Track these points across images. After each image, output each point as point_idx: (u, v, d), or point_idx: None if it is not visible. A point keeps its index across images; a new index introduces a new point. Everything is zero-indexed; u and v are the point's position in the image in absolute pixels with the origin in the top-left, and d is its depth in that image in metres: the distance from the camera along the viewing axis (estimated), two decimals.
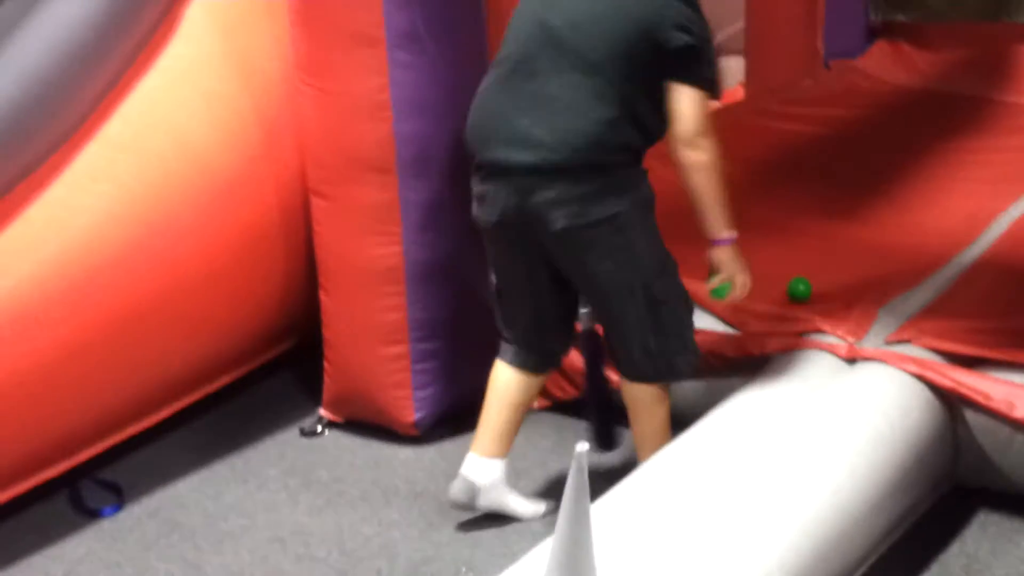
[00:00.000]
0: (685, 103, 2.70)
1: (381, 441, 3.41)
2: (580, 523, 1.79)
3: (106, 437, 3.28)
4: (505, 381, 2.97)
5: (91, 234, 3.11)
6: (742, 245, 3.63)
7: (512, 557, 2.47)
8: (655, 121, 2.74)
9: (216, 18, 3.54)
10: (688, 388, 3.28)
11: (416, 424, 3.38)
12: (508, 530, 2.97)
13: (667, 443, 2.79)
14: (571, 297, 2.94)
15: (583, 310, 3.02)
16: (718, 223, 2.79)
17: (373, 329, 3.34)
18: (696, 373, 2.98)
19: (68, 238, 3.07)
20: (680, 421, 2.91)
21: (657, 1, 2.70)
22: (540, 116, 2.69)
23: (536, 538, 2.69)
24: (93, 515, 3.14)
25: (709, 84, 2.74)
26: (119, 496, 3.21)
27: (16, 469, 3.07)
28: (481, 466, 2.96)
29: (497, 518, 2.99)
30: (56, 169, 3.12)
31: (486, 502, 2.97)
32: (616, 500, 2.44)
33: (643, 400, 2.91)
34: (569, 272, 2.83)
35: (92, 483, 3.25)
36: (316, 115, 3.31)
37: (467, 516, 3.00)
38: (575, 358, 3.25)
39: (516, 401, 2.97)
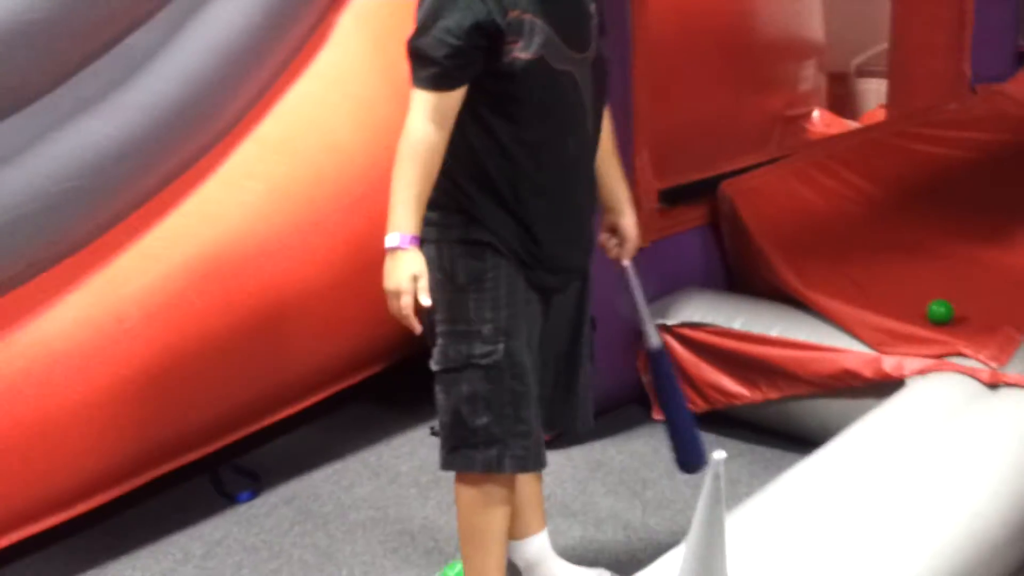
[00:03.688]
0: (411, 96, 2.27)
1: None
2: (714, 532, 1.78)
3: (245, 425, 3.40)
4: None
5: (241, 229, 3.23)
6: (883, 266, 3.59)
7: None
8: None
9: (367, 25, 3.64)
10: (821, 406, 3.26)
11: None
12: (634, 540, 2.98)
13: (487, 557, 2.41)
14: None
15: (649, 328, 2.71)
16: (390, 220, 2.25)
17: None
18: (527, 467, 2.38)
19: (219, 232, 3.19)
20: (813, 440, 2.89)
21: None
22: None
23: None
24: (231, 499, 3.26)
25: (421, 81, 2.24)
26: (256, 482, 3.32)
27: (163, 450, 3.20)
28: (522, 549, 2.64)
29: (625, 522, 3.00)
30: (212, 166, 3.24)
31: None
32: (749, 516, 2.43)
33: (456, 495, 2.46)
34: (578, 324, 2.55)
35: (231, 469, 3.37)
36: None
37: (591, 519, 3.01)
38: (702, 369, 3.24)
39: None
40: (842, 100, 5.88)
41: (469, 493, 2.39)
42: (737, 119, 4.58)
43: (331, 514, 3.17)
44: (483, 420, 2.32)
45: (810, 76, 5.16)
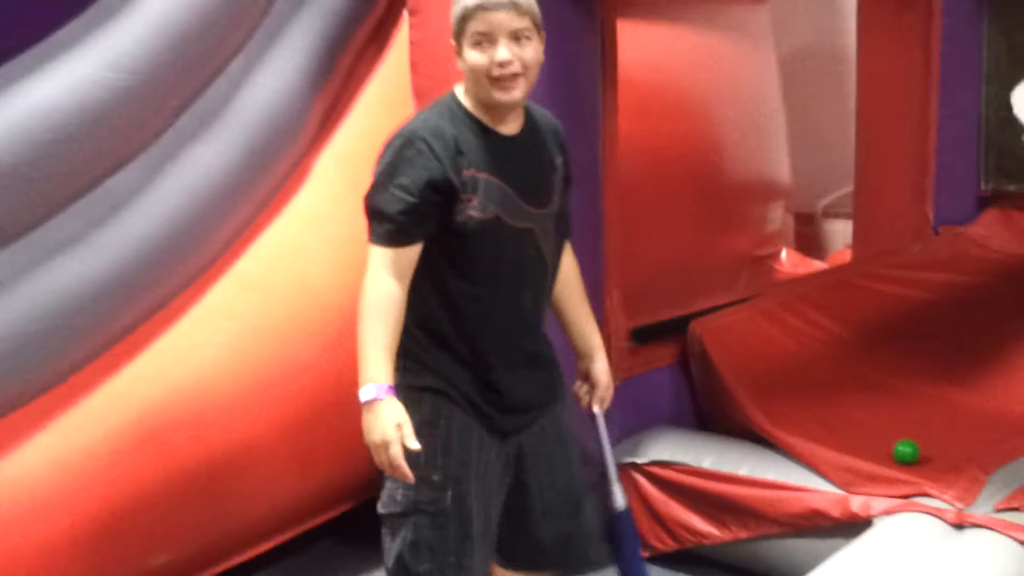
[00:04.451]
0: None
1: None
2: None
3: (223, 561, 3.36)
4: None
5: (214, 367, 3.25)
6: (850, 406, 3.63)
7: None
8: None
9: (345, 166, 3.72)
10: (790, 545, 3.26)
11: None
12: None
13: None
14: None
15: (616, 487, 2.82)
16: (361, 375, 2.25)
17: None
18: None
19: (191, 370, 3.21)
20: None
21: None
22: None
23: None
24: None
25: (376, 237, 2.31)
26: None
27: None
28: None
29: None
30: (188, 303, 3.29)
31: None
32: None
33: None
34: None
35: None
36: None
37: None
38: (671, 507, 3.25)
39: None
40: (809, 240, 6.01)
41: None
42: (707, 259, 4.68)
43: None
44: (424, 567, 2.32)
45: (778, 217, 5.29)
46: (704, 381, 3.83)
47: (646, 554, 3.45)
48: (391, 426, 2.20)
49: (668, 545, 3.43)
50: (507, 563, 2.53)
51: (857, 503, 3.12)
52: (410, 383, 2.32)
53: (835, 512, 3.15)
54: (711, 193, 4.82)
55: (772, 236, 5.20)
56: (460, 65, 2.31)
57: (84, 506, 2.96)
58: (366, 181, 3.70)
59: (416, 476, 2.25)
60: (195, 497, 3.19)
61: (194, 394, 3.19)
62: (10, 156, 2.82)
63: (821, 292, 4.33)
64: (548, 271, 2.44)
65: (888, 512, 3.06)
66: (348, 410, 3.46)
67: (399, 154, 2.28)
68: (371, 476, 3.72)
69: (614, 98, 3.51)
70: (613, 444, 2.90)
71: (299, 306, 3.46)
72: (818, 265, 5.51)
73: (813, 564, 2.88)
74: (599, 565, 2.60)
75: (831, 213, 6.19)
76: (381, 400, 2.21)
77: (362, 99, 3.82)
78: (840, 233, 5.97)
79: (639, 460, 3.51)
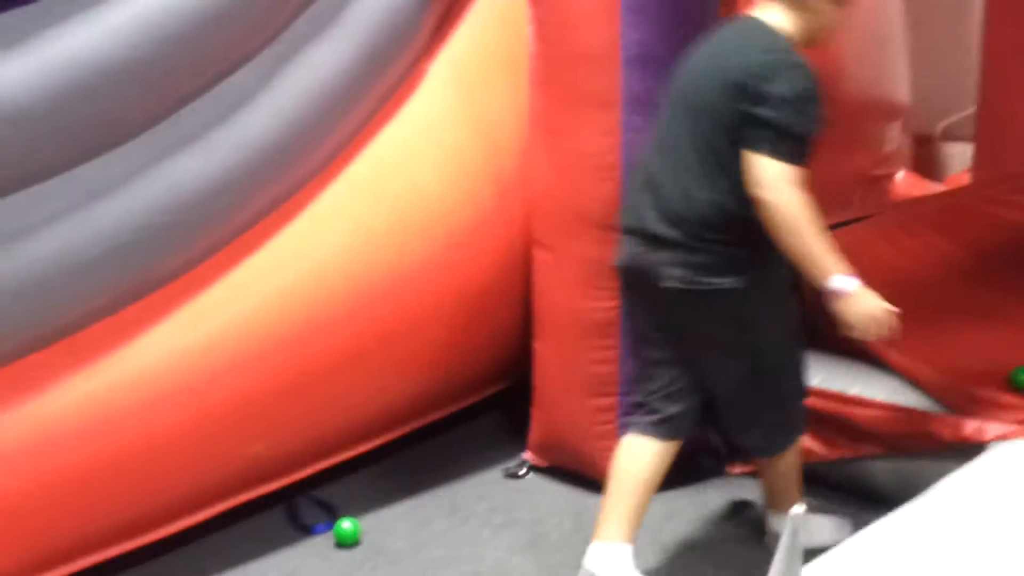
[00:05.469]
0: (763, 167, 2.64)
1: (583, 489, 3.47)
2: None
3: (323, 459, 3.46)
4: (634, 454, 2.89)
5: (328, 266, 3.31)
6: (966, 330, 3.54)
7: None
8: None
9: (456, 75, 3.72)
10: (892, 468, 3.23)
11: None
12: None
13: (796, 487, 3.02)
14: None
15: None
16: (819, 272, 2.67)
17: (584, 380, 3.42)
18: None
19: (307, 268, 3.28)
20: (888, 500, 2.86)
21: (745, 54, 2.71)
22: (671, 181, 2.79)
23: None
24: (306, 531, 3.30)
25: (790, 156, 2.64)
26: (332, 515, 3.36)
27: (237, 482, 3.27)
28: (607, 555, 2.83)
29: (698, 572, 2.99)
30: (302, 204, 3.33)
31: None
32: (823, 572, 2.41)
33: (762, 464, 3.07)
34: (681, 334, 2.87)
35: (308, 500, 3.42)
36: (547, 170, 3.44)
37: (671, 568, 3.01)
38: None
39: (646, 478, 2.88)
40: (926, 162, 5.84)
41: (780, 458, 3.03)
42: (822, 177, 4.58)
43: (404, 550, 3.20)
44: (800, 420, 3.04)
45: (895, 137, 5.14)
46: (816, 299, 3.76)
47: (751, 469, 3.44)
48: (873, 300, 2.67)
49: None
50: None
51: (971, 427, 3.07)
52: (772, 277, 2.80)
53: (947, 435, 3.11)
54: (828, 109, 4.70)
55: (889, 156, 5.05)
56: (804, 11, 2.74)
57: (201, 400, 3.05)
58: (478, 89, 3.74)
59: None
60: (304, 394, 3.26)
61: (308, 292, 3.25)
62: (132, 51, 2.86)
63: (940, 215, 4.22)
64: None
65: (1003, 437, 3.00)
66: (448, 315, 3.54)
67: (808, 83, 2.66)
68: (477, 381, 3.78)
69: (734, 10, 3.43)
70: None
71: (410, 210, 3.48)
72: (935, 188, 5.36)
73: (920, 487, 2.84)
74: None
75: (950, 135, 6.00)
76: (853, 286, 2.65)
77: (476, 6, 3.79)
78: (958, 156, 5.78)
79: None
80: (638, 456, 2.88)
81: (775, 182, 2.60)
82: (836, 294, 2.66)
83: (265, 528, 3.31)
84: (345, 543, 3.22)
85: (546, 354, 3.51)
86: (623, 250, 2.92)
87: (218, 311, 3.11)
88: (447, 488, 3.52)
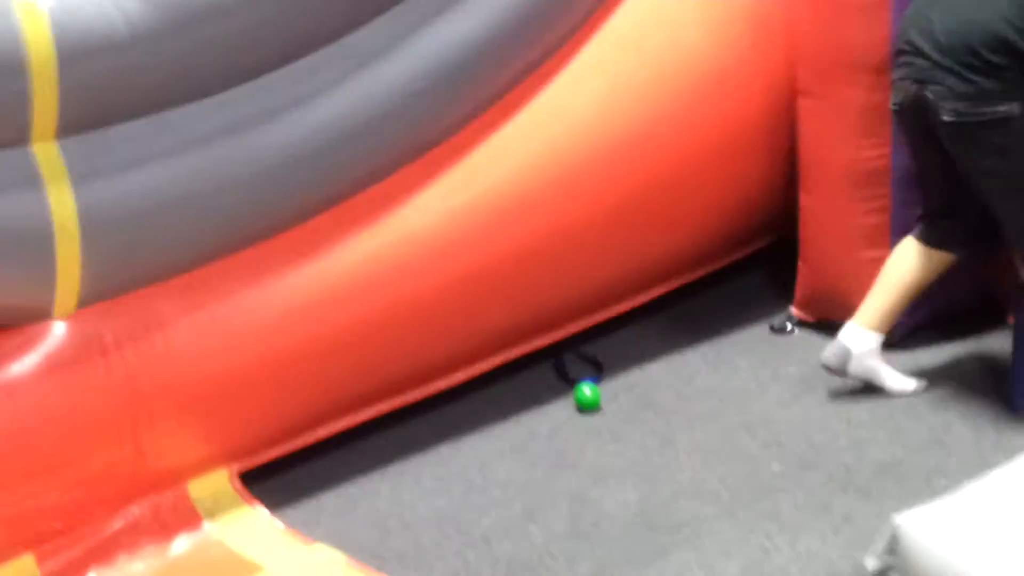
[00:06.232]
0: None
1: None
2: None
3: (589, 315, 3.51)
4: (904, 254, 3.06)
5: (587, 123, 3.31)
6: None
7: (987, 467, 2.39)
8: None
9: None
10: None
11: (890, 331, 3.32)
12: (984, 442, 2.88)
13: None
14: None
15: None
16: None
17: (853, 231, 3.31)
18: None
19: (566, 126, 3.29)
20: None
21: None
22: (946, 9, 2.80)
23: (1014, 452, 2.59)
24: (573, 385, 3.38)
25: None
26: (599, 370, 3.43)
27: (505, 338, 3.37)
28: (858, 335, 3.07)
29: (975, 426, 2.91)
30: (563, 61, 3.33)
31: (858, 370, 3.08)
32: None
33: None
34: (959, 164, 2.89)
35: (575, 356, 3.50)
36: (810, 13, 3.30)
37: (939, 421, 2.96)
38: None
39: (910, 280, 3.03)
40: None
41: None
42: None
43: (671, 403, 3.24)
44: None
45: None
46: None
47: None
48: None
49: None
50: None
51: None
52: None
53: None
54: None
55: None
56: None
57: (469, 257, 3.15)
58: None
59: None
60: (570, 252, 3.31)
61: (568, 150, 3.27)
62: None
63: None
64: None
65: None
66: (716, 165, 3.48)
67: None
68: (737, 237, 3.72)
69: None
70: None
71: (669, 63, 3.43)
72: None
73: None
74: None
75: None
76: None
77: None
78: None
79: None
80: (906, 257, 3.05)
81: None
82: None
83: (534, 383, 3.41)
84: (586, 408, 3.27)
85: (812, 206, 3.42)
86: (896, 87, 2.94)
87: (483, 172, 3.19)
88: (712, 344, 3.51)
